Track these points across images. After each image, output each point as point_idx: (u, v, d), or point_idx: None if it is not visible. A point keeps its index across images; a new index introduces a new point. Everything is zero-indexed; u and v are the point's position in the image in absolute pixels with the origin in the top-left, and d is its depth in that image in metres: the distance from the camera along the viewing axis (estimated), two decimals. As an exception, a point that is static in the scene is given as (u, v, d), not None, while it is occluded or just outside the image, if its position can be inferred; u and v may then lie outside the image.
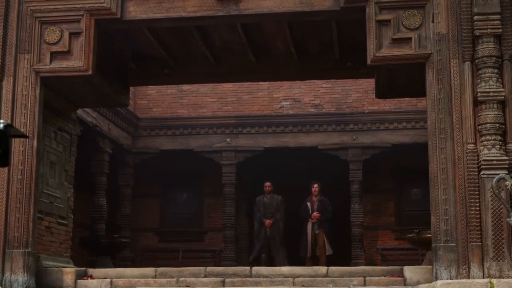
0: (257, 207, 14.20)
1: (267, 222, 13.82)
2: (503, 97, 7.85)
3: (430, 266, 8.12)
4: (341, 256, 13.62)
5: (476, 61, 7.96)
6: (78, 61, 8.86)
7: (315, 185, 13.80)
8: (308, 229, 13.65)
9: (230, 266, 11.09)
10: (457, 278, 7.61)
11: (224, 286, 8.58)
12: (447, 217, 7.84)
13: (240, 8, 8.79)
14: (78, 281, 8.81)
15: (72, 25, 8.91)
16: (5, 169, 8.61)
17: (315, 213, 13.55)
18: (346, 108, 15.39)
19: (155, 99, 16.07)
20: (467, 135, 7.91)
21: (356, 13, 8.56)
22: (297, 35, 10.55)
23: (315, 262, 13.32)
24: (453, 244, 7.78)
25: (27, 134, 8.65)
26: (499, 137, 7.78)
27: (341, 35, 10.36)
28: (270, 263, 13.30)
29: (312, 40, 10.84)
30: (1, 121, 2.50)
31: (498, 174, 7.49)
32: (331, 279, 8.55)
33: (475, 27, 7.94)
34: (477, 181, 7.75)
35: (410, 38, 8.29)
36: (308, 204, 13.75)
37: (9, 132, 2.53)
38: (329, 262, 12.47)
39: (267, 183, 14.07)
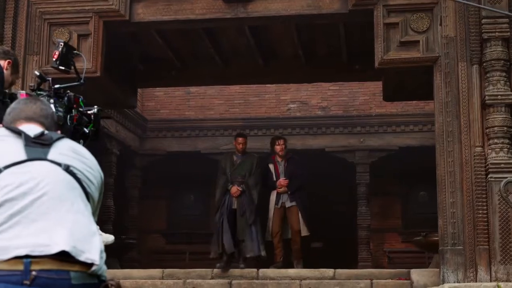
0: (221, 169, 10.29)
1: (233, 189, 9.97)
2: (511, 100, 7.83)
3: (437, 269, 8.11)
4: (348, 258, 13.59)
5: (484, 64, 7.94)
6: (87, 63, 8.87)
7: (281, 141, 10.36)
8: (271, 202, 10.17)
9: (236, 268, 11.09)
10: (464, 282, 7.61)
11: (231, 288, 8.61)
12: (454, 220, 7.83)
13: (248, 11, 8.81)
14: (86, 282, 8.83)
15: (80, 27, 8.94)
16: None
17: (281, 180, 10.15)
18: (353, 110, 15.36)
19: (163, 101, 16.09)
20: (474, 138, 7.89)
21: (364, 16, 8.57)
22: (304, 38, 10.57)
23: (285, 246, 10.25)
24: (460, 247, 7.76)
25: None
26: (507, 140, 7.76)
27: (349, 38, 10.37)
28: (238, 248, 9.83)
29: (319, 42, 10.85)
30: (95, 106, 3.01)
31: (506, 177, 7.49)
32: (338, 282, 8.56)
33: (483, 30, 7.92)
34: (484, 184, 7.73)
35: (418, 41, 8.28)
36: (271, 167, 10.32)
37: (101, 114, 3.06)
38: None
39: (240, 138, 10.51)
